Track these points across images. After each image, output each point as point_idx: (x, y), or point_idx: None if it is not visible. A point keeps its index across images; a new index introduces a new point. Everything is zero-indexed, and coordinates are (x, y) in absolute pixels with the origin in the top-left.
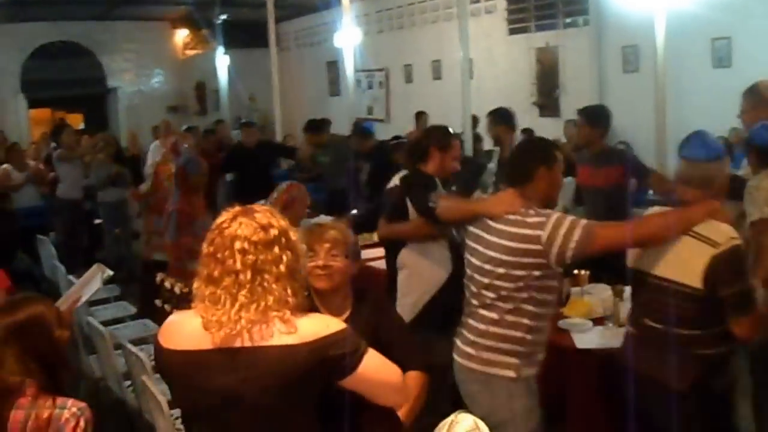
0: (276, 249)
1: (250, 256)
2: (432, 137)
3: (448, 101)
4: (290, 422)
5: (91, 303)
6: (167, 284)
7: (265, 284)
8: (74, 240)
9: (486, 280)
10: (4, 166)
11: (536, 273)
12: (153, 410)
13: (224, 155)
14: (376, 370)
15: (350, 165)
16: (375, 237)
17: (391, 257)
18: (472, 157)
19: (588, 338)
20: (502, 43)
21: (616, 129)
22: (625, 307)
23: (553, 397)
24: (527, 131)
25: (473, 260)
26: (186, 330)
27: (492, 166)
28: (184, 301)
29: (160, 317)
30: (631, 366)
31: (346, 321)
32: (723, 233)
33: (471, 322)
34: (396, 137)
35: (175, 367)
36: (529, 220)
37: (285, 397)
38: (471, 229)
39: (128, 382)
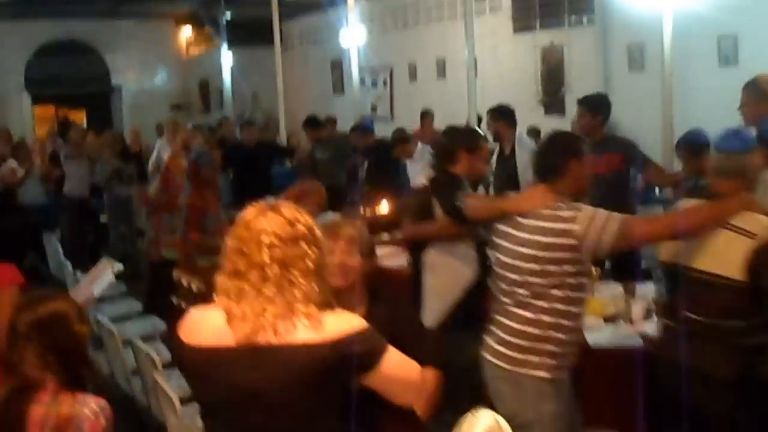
0: (303, 244)
1: (278, 250)
2: (461, 139)
3: (453, 100)
4: (311, 420)
5: (98, 299)
6: (184, 282)
7: (292, 279)
8: (80, 237)
9: (518, 278)
10: (9, 162)
11: (569, 269)
12: (164, 407)
13: (223, 153)
14: (396, 368)
15: (351, 162)
16: (384, 237)
17: (415, 257)
18: None
19: (601, 336)
20: (507, 41)
21: (622, 127)
22: (637, 305)
23: None
24: (533, 130)
25: (504, 258)
26: (207, 325)
27: (492, 161)
28: (200, 299)
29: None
30: (671, 358)
31: None
32: (760, 224)
33: (503, 320)
34: (399, 129)
35: (196, 363)
36: (562, 214)
37: (307, 395)
38: (500, 227)
39: (136, 379)
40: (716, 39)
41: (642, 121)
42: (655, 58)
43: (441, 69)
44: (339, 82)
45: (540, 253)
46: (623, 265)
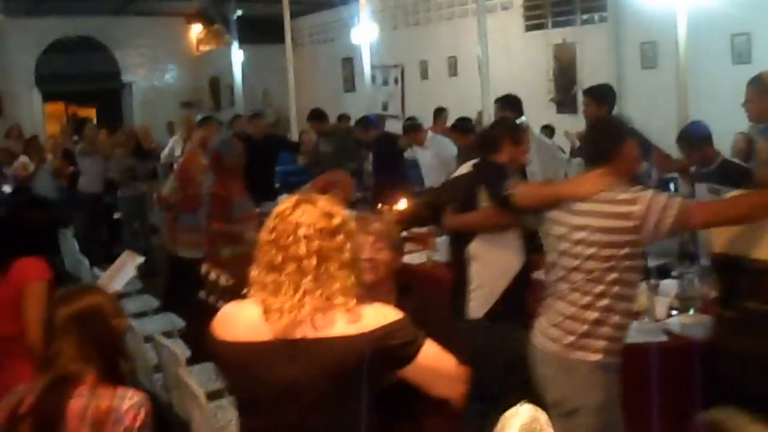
0: (340, 236)
1: (315, 243)
2: (505, 128)
3: (464, 98)
4: (349, 413)
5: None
6: (213, 276)
7: (329, 271)
8: (94, 234)
9: (576, 262)
10: (22, 158)
11: (628, 251)
12: (187, 404)
13: None
14: (434, 359)
15: (357, 155)
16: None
17: (458, 248)
18: None
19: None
20: (518, 39)
21: (634, 125)
22: (661, 302)
23: None
24: (546, 128)
25: (559, 244)
26: (243, 320)
27: None
28: (229, 294)
29: (202, 310)
30: (730, 348)
31: None
32: None
33: (558, 305)
34: (411, 117)
35: (232, 358)
36: (622, 197)
37: (345, 388)
38: (553, 213)
39: (158, 376)
40: (730, 37)
41: (655, 119)
42: (668, 56)
43: (452, 67)
44: (350, 80)
45: (599, 237)
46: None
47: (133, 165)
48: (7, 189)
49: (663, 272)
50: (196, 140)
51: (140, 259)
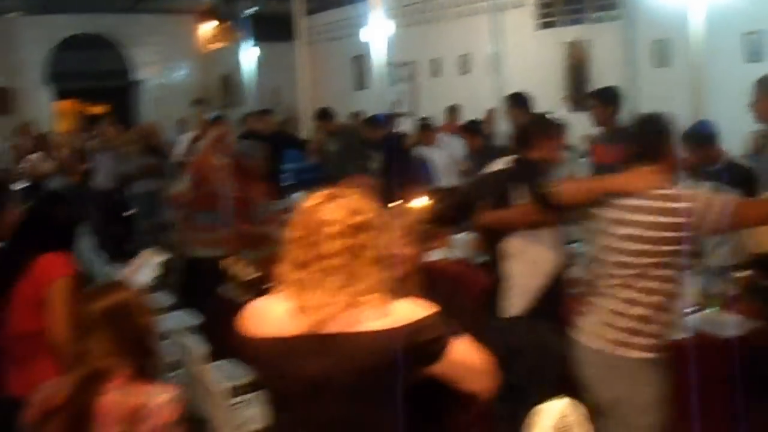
0: (368, 233)
1: (344, 240)
2: (541, 125)
3: (476, 96)
4: (379, 408)
5: None
6: (235, 273)
7: (358, 267)
8: (107, 230)
9: (624, 258)
10: (37, 154)
11: (675, 247)
12: (207, 400)
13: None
14: (465, 354)
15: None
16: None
17: (491, 246)
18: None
19: None
20: (530, 37)
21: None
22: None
23: None
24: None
25: (606, 240)
26: (271, 316)
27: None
28: (251, 289)
29: (223, 307)
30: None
31: None
32: None
33: (604, 302)
34: (424, 118)
35: (262, 354)
36: (670, 193)
37: (375, 383)
38: (600, 209)
39: (172, 373)
40: (742, 35)
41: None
42: (681, 54)
43: (464, 65)
44: (361, 78)
45: (648, 233)
46: None
47: (149, 162)
48: (20, 185)
49: None
50: (211, 139)
51: (162, 257)
